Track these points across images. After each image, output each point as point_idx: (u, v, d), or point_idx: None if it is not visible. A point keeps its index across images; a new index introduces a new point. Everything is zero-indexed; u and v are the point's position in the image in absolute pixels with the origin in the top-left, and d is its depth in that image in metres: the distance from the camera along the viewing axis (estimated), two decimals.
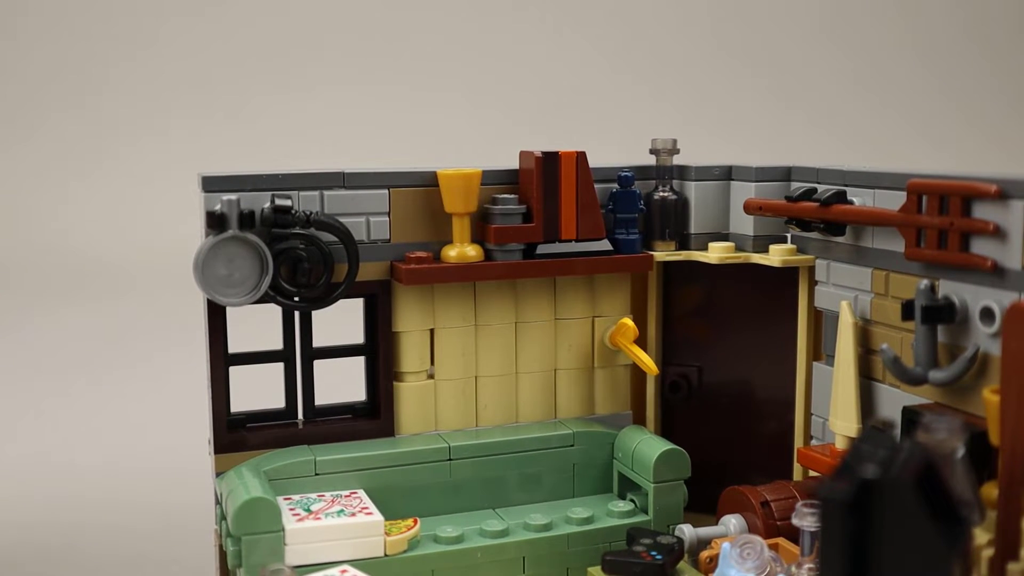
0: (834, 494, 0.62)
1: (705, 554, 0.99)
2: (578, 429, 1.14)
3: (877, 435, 0.71)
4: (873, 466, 0.63)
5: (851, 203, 1.03)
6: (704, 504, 1.13)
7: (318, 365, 1.11)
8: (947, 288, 0.92)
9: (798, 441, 1.15)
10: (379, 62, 2.85)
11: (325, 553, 0.97)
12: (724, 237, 1.17)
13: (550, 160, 1.09)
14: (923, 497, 0.65)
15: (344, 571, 0.94)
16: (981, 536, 0.81)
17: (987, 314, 0.88)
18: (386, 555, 0.99)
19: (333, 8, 2.98)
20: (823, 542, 0.62)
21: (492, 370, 1.14)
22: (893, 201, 0.97)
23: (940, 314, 0.91)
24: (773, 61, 3.24)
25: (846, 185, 1.05)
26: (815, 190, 1.06)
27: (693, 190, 1.17)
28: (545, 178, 1.09)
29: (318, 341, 1.11)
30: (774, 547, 0.98)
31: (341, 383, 1.16)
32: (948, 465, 0.72)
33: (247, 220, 1.00)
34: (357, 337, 1.13)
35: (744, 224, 1.15)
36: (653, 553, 0.97)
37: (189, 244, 1.02)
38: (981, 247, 0.88)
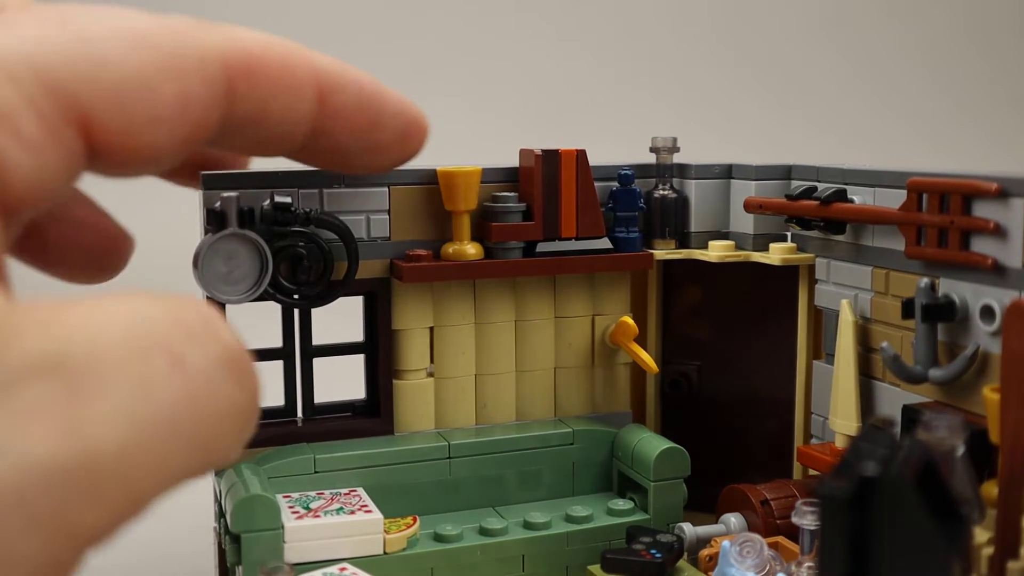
0: (834, 492, 0.61)
1: (705, 552, 0.99)
2: (578, 427, 1.14)
3: (877, 433, 0.70)
4: (873, 464, 0.63)
5: (851, 201, 1.03)
6: (704, 503, 1.13)
7: (317, 363, 1.11)
8: (947, 286, 0.92)
9: (798, 440, 1.15)
10: (379, 62, 2.85)
11: (324, 551, 0.96)
12: (724, 236, 1.17)
13: (550, 158, 1.09)
14: (923, 495, 0.65)
15: (343, 569, 0.94)
16: (981, 534, 0.81)
17: (987, 312, 0.88)
18: (385, 553, 0.99)
19: (334, 8, 2.98)
20: (823, 540, 0.62)
21: (492, 368, 1.14)
22: (893, 199, 0.97)
23: (940, 312, 0.90)
24: (773, 60, 3.24)
25: (846, 184, 1.04)
26: (815, 188, 1.06)
27: (693, 188, 1.17)
28: (545, 176, 1.09)
29: (317, 339, 1.11)
30: (774, 545, 0.98)
31: (341, 381, 1.16)
32: (948, 463, 0.72)
33: (247, 217, 1.00)
34: (357, 335, 1.13)
35: (744, 223, 1.15)
36: (653, 551, 0.97)
37: (189, 242, 1.02)
38: (981, 245, 0.88)
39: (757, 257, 1.13)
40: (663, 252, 1.17)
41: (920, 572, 0.63)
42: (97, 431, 0.41)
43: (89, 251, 0.79)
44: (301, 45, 0.63)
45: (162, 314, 0.46)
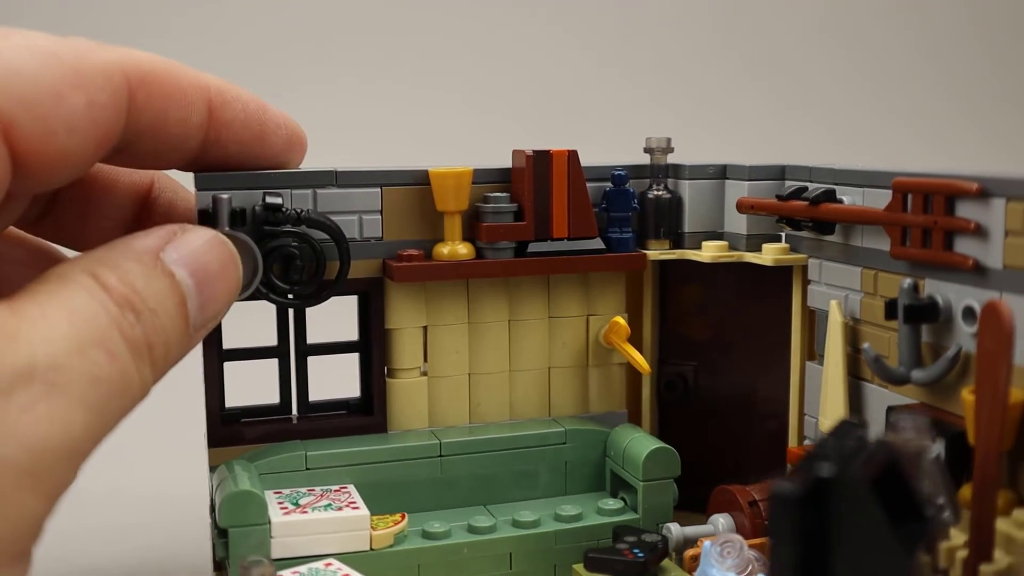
0: (784, 490, 0.61)
1: (689, 552, 0.99)
2: (570, 427, 1.14)
3: (847, 431, 0.70)
4: (828, 464, 0.63)
5: (840, 202, 1.02)
6: (700, 503, 1.13)
7: (312, 361, 1.12)
8: (932, 287, 0.91)
9: (792, 441, 1.14)
10: (373, 61, 2.84)
11: (311, 546, 0.98)
12: (719, 236, 1.17)
13: (541, 159, 1.09)
14: (882, 496, 0.64)
15: (329, 564, 0.95)
16: (958, 537, 0.80)
17: (969, 313, 0.87)
18: (372, 549, 1.00)
19: (328, 7, 2.98)
20: (773, 539, 0.62)
21: (486, 367, 1.15)
22: (882, 200, 0.97)
23: (923, 313, 0.90)
24: (771, 60, 3.20)
25: (837, 184, 1.04)
26: (805, 189, 1.06)
27: (687, 189, 1.17)
28: (537, 176, 1.09)
29: (312, 337, 1.12)
30: (762, 547, 0.98)
31: (336, 379, 1.17)
32: (914, 464, 0.72)
33: (238, 218, 1.01)
34: (352, 334, 1.14)
35: (738, 223, 1.15)
36: (636, 551, 0.97)
37: None
38: (964, 246, 0.87)
39: (750, 258, 1.13)
40: (656, 252, 1.17)
41: (875, 574, 0.63)
42: (70, 417, 0.56)
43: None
44: (187, 65, 0.72)
45: (92, 304, 0.59)
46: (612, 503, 1.09)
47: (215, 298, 0.70)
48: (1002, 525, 0.78)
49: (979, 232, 0.85)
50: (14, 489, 0.53)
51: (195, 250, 0.70)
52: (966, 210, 0.87)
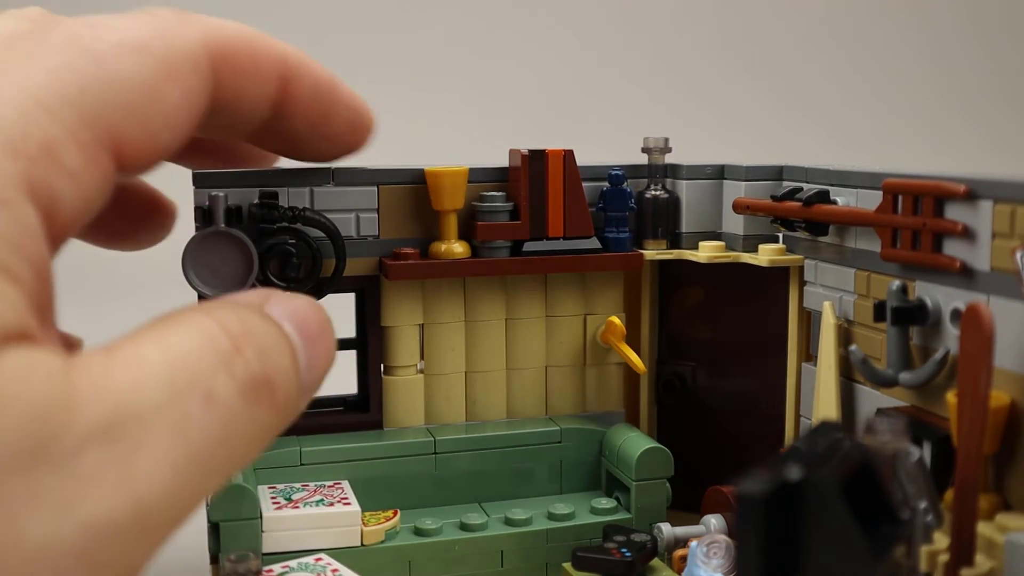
0: (750, 491, 0.61)
1: (678, 553, 0.99)
2: (566, 426, 1.15)
3: (825, 433, 0.70)
4: (796, 467, 0.63)
5: (834, 203, 1.02)
6: (698, 504, 1.13)
7: None
8: (921, 289, 0.91)
9: (789, 442, 1.14)
10: (372, 58, 2.84)
11: (302, 541, 0.99)
12: (717, 236, 1.17)
13: (537, 158, 1.10)
14: (854, 499, 0.64)
15: (319, 559, 0.96)
16: (941, 540, 0.80)
17: (956, 316, 0.86)
18: (363, 545, 1.00)
19: (326, 7, 2.99)
20: (738, 540, 0.62)
21: (482, 366, 1.15)
22: (877, 201, 0.96)
23: (911, 315, 0.89)
24: (770, 60, 3.18)
25: (833, 185, 1.03)
26: (800, 189, 1.05)
27: (685, 189, 1.17)
28: (532, 176, 1.10)
29: None
30: None
31: (333, 376, 1.18)
32: (889, 466, 0.71)
33: (234, 215, 1.03)
34: (349, 331, 1.15)
35: (736, 223, 1.15)
36: (623, 550, 0.97)
37: (181, 240, 1.04)
38: (953, 248, 0.87)
39: (746, 258, 1.13)
40: (653, 252, 1.17)
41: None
42: (145, 484, 0.47)
43: (137, 221, 0.86)
44: (265, 33, 0.68)
45: (199, 343, 0.51)
46: (605, 502, 1.09)
47: (318, 358, 0.61)
48: (985, 529, 0.78)
49: (966, 234, 0.84)
50: None
51: (297, 308, 0.62)
52: (955, 212, 0.86)
